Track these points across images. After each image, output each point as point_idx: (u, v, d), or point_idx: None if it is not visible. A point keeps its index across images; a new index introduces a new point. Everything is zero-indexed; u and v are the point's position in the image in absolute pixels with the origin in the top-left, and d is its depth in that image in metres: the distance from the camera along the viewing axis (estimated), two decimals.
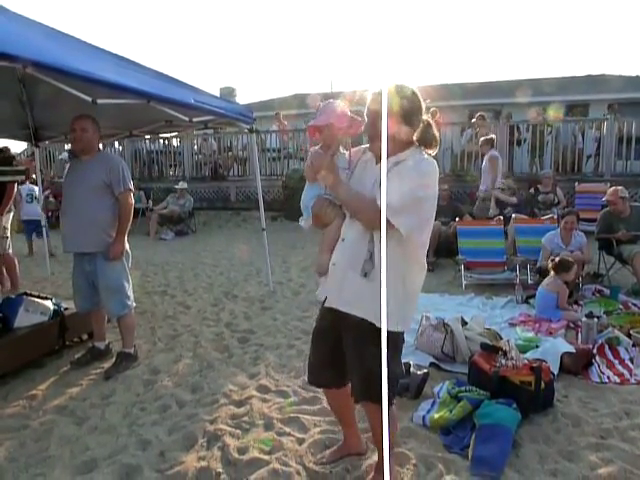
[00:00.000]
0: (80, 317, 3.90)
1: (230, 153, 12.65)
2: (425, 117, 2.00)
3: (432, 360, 3.51)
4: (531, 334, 4.01)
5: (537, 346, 3.64)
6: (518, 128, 10.35)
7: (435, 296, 5.28)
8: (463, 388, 2.85)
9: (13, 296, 3.88)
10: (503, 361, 2.92)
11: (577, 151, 10.01)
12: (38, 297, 3.91)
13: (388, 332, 1.91)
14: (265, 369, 3.59)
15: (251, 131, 5.34)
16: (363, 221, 1.93)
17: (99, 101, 3.28)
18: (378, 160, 2.01)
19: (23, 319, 3.67)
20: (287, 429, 2.79)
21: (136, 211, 10.78)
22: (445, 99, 14.78)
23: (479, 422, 2.58)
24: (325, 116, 2.03)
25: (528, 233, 6.02)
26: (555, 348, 3.37)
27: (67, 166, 4.09)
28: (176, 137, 12.99)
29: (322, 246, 2.10)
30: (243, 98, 31.17)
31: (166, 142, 13.44)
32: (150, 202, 10.87)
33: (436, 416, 2.73)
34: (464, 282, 5.66)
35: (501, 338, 3.48)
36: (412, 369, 3.13)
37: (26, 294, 3.88)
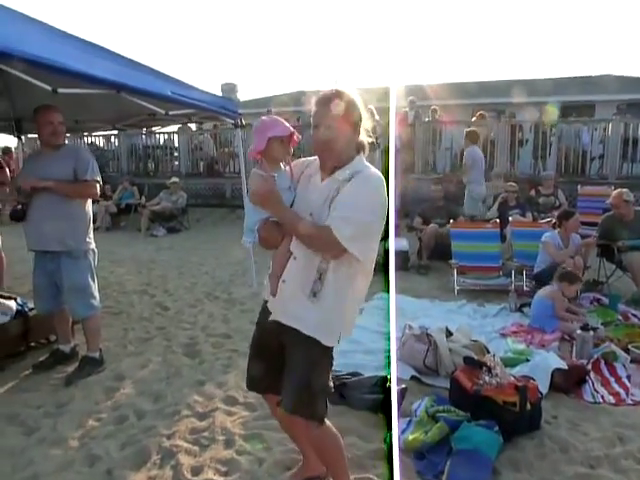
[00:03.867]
0: (47, 318, 3.69)
1: (227, 149, 12.42)
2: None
3: (413, 373, 3.28)
4: (522, 346, 3.77)
5: (527, 359, 3.40)
6: (521, 128, 10.07)
7: (425, 301, 5.05)
8: (441, 407, 2.61)
9: None
10: (487, 378, 2.69)
11: (581, 152, 9.73)
12: (1, 297, 3.71)
13: (324, 346, 1.86)
14: (235, 378, 3.36)
15: (236, 126, 5.12)
16: (318, 251, 1.80)
17: (60, 90, 3.06)
18: (326, 174, 1.86)
19: None
20: (248, 447, 2.58)
21: (128, 207, 10.77)
22: (449, 98, 14.57)
23: (456, 446, 2.35)
24: (262, 135, 1.83)
25: (526, 237, 5.75)
26: (546, 363, 3.13)
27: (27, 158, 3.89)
28: (175, 133, 12.80)
29: (274, 268, 1.92)
30: (245, 94, 30.90)
31: (165, 137, 13.23)
32: (143, 198, 10.66)
33: (410, 437, 2.50)
34: (456, 287, 5.40)
35: (488, 351, 3.24)
36: (389, 384, 2.89)
37: None
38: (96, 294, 3.53)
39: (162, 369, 3.54)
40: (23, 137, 6.44)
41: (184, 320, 4.58)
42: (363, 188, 1.76)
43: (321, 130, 1.79)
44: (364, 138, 1.88)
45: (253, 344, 2.12)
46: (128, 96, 3.56)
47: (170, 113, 4.17)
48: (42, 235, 3.32)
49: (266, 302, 2.01)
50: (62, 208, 3.32)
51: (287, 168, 1.92)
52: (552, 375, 3.06)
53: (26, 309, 3.75)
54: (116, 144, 13.50)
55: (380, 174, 1.83)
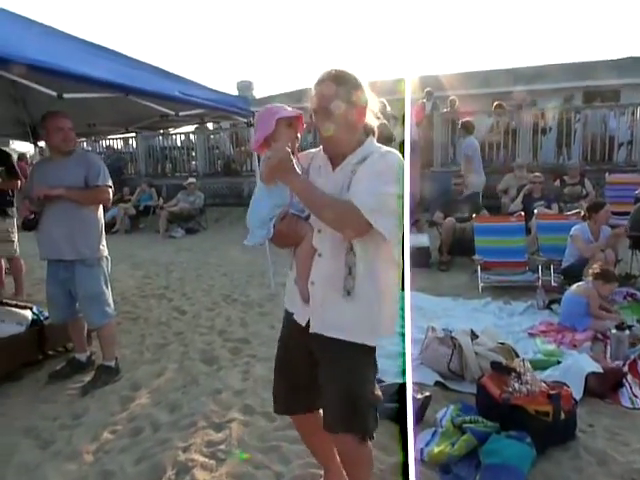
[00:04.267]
0: (62, 326, 3.65)
1: (243, 148, 12.34)
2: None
3: (438, 378, 3.13)
4: (552, 346, 3.58)
5: (559, 361, 3.23)
6: (543, 115, 9.74)
7: (447, 300, 4.87)
8: (468, 418, 2.46)
9: None
10: (516, 385, 2.53)
11: (608, 139, 9.35)
12: (16, 306, 3.69)
13: (366, 346, 1.71)
14: (252, 385, 3.27)
15: (249, 124, 5.01)
16: (346, 229, 1.62)
17: (66, 95, 2.99)
18: (337, 163, 1.70)
19: None
20: (265, 460, 2.48)
21: (147, 209, 10.79)
22: (467, 88, 14.24)
23: (485, 461, 2.21)
24: (269, 119, 1.67)
25: (552, 230, 5.53)
26: (579, 366, 2.95)
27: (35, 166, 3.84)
28: (192, 133, 12.80)
29: (299, 270, 1.75)
30: (262, 91, 30.74)
31: (182, 137, 13.23)
32: (160, 199, 10.69)
33: (436, 450, 2.36)
34: (480, 284, 5.21)
35: (517, 355, 3.07)
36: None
37: (1, 303, 3.66)
38: (110, 301, 3.47)
39: (179, 377, 3.46)
40: (41, 143, 6.46)
41: (201, 324, 4.51)
42: (380, 164, 1.62)
43: (320, 116, 1.64)
44: (372, 120, 1.72)
45: (278, 364, 1.96)
46: (137, 99, 3.48)
47: (180, 114, 4.08)
48: (55, 244, 3.27)
49: (290, 314, 1.84)
50: (74, 216, 3.27)
51: (295, 158, 1.73)
52: (586, 379, 2.88)
53: (42, 318, 3.71)
54: (134, 146, 13.57)
55: (396, 151, 1.68)
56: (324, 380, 1.75)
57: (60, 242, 3.25)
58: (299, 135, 1.75)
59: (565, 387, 2.60)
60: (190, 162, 13.22)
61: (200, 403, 3.07)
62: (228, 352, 3.86)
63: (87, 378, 3.42)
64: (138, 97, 3.47)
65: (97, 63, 3.10)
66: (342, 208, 1.59)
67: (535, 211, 6.17)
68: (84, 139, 7.33)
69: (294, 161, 1.66)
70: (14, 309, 3.62)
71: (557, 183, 7.81)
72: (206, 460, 2.50)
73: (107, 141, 13.51)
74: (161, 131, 12.85)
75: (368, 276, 1.65)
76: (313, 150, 1.84)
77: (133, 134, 12.88)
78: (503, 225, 5.74)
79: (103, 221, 3.50)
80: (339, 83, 1.61)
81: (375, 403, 1.77)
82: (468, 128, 8.10)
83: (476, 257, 5.44)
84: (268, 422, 2.82)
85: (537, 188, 6.96)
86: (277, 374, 1.96)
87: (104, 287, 3.42)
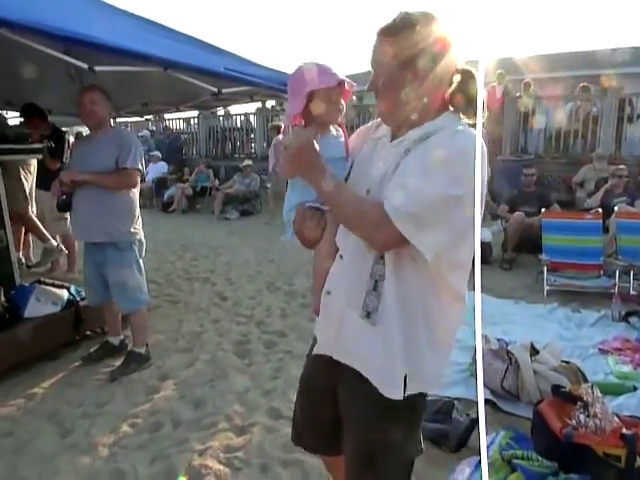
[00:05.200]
0: (98, 308, 3.59)
1: None
2: (462, 65, 1.24)
3: (488, 396, 2.75)
4: (628, 368, 3.08)
5: (635, 387, 2.76)
6: (630, 102, 8.76)
7: (508, 303, 4.40)
8: (520, 452, 2.09)
9: (27, 284, 3.64)
10: (582, 418, 2.12)
11: None
12: (53, 285, 3.65)
13: (403, 397, 1.28)
14: (282, 385, 3.05)
15: None
16: (363, 238, 1.23)
17: (97, 68, 2.82)
18: (396, 136, 1.29)
19: (34, 309, 3.42)
20: (284, 475, 2.25)
21: (204, 190, 10.85)
22: (546, 70, 13.21)
23: None
24: (299, 91, 1.30)
25: (634, 231, 4.87)
26: None
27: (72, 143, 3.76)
28: (252, 114, 12.75)
29: (315, 276, 1.42)
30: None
31: (241, 118, 13.22)
32: (217, 181, 10.71)
33: None
34: (547, 287, 4.69)
35: (584, 379, 2.63)
36: (455, 413, 2.41)
37: (39, 282, 3.63)
38: (143, 286, 3.34)
39: (208, 370, 3.30)
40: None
41: (240, 313, 4.34)
42: (441, 148, 1.14)
43: (373, 77, 1.25)
44: (466, 87, 1.24)
45: (301, 384, 1.61)
46: (176, 74, 3.28)
47: (223, 91, 3.84)
48: (86, 226, 3.17)
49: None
50: (105, 198, 3.12)
51: (339, 133, 1.40)
52: None
53: (78, 298, 3.66)
54: (195, 127, 13.71)
55: (472, 131, 1.18)
56: (345, 423, 1.40)
57: (90, 224, 3.13)
58: (343, 105, 1.36)
59: None
60: (249, 144, 13.19)
61: (225, 401, 2.89)
62: (263, 346, 3.66)
63: (118, 362, 3.34)
64: (178, 72, 3.26)
65: (133, 34, 2.91)
66: (368, 213, 1.18)
67: (615, 208, 5.49)
68: (141, 118, 7.34)
69: (339, 140, 1.36)
70: (50, 288, 3.59)
71: None
72: (221, 468, 2.32)
73: (166, 122, 13.78)
74: (221, 112, 12.93)
75: (400, 298, 1.22)
76: (378, 120, 1.43)
77: (195, 114, 13.05)
78: (577, 222, 5.13)
79: (137, 203, 3.36)
80: (404, 30, 1.17)
81: (410, 460, 1.38)
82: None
83: (543, 256, 4.90)
84: None
85: (620, 183, 6.22)
86: (299, 396, 1.62)
87: (136, 272, 3.28)
